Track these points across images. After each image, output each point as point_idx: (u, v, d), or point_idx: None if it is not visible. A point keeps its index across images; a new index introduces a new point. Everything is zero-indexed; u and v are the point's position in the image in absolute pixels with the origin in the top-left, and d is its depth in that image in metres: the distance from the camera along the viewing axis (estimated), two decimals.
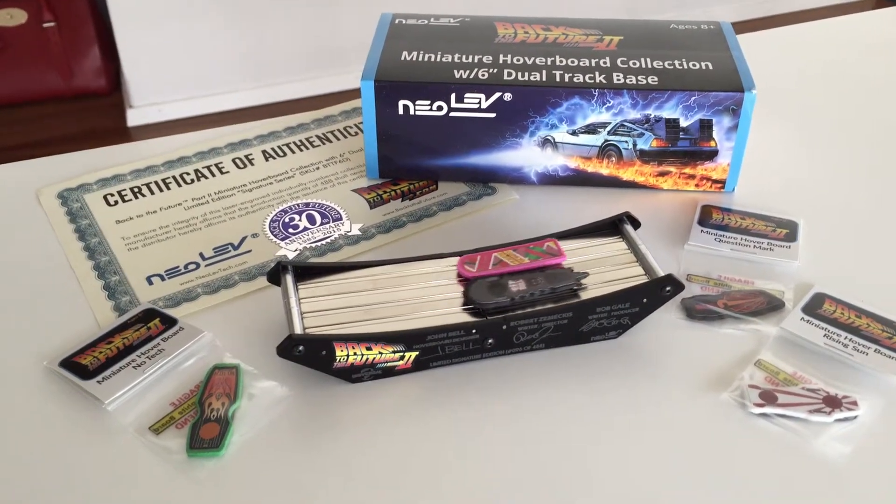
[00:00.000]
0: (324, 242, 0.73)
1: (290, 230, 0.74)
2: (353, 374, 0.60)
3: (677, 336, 0.64)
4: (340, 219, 0.75)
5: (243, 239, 0.73)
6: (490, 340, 0.61)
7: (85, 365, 0.60)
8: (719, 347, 0.63)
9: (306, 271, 0.64)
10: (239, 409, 0.57)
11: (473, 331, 0.60)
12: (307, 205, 0.77)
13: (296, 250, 0.72)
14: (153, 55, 2.15)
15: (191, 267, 0.70)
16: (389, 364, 0.60)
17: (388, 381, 0.60)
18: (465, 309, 0.62)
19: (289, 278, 0.63)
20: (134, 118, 2.21)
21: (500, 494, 0.53)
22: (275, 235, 0.73)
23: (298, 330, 0.58)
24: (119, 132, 2.18)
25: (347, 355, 0.58)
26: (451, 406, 0.59)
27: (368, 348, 0.58)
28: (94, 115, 2.25)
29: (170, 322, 0.63)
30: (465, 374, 0.61)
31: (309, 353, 0.57)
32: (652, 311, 0.63)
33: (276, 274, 0.63)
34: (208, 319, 0.65)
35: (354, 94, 0.91)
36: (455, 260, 0.65)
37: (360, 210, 0.76)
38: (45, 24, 2.15)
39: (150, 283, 0.68)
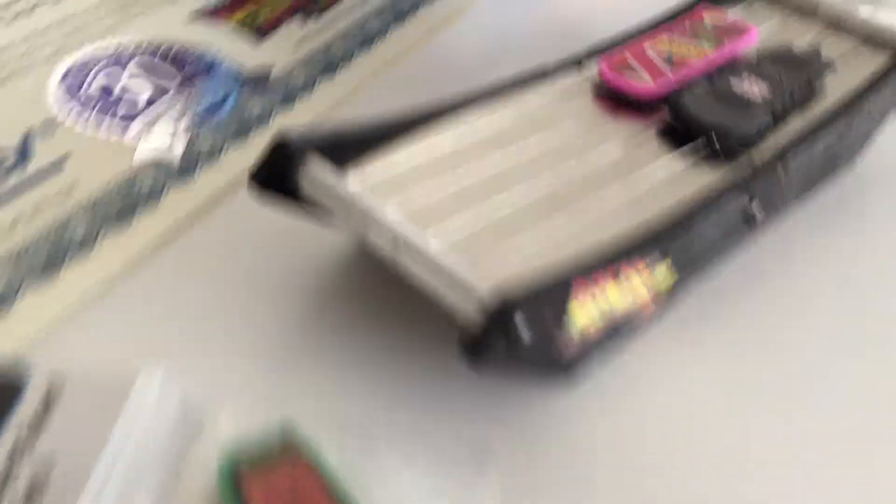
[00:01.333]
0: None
1: (125, 110, 0.32)
2: (581, 359, 0.24)
3: None
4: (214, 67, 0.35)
5: (25, 141, 0.30)
6: (755, 201, 0.29)
7: None
8: None
9: (341, 152, 0.25)
10: None
11: (744, 193, 0.27)
12: (118, 59, 0.35)
13: (170, 144, 0.31)
14: None
15: None
16: (636, 311, 0.25)
17: (621, 365, 0.26)
18: (700, 159, 0.28)
19: (328, 173, 0.24)
20: None
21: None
22: (106, 127, 0.31)
23: (480, 283, 0.21)
24: None
25: (590, 311, 0.22)
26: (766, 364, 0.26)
27: (615, 275, 0.23)
28: None
29: (10, 383, 0.21)
30: (735, 289, 0.28)
31: (537, 328, 0.21)
32: None
33: (275, 176, 0.24)
34: (83, 344, 0.23)
35: None
36: (586, 74, 0.31)
37: (244, 47, 0.37)
38: None
39: None
